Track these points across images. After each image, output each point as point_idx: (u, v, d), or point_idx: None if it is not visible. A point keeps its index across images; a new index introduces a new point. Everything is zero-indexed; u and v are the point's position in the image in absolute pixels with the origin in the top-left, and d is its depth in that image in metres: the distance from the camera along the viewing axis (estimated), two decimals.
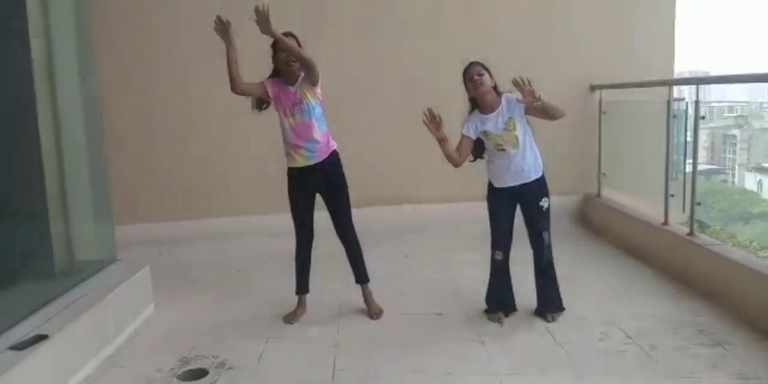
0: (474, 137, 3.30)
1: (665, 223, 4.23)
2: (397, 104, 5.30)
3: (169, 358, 3.06)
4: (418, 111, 5.36)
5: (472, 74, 3.23)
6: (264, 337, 3.30)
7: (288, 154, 3.45)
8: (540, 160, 3.32)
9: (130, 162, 5.10)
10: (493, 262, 3.45)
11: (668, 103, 4.24)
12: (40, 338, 2.62)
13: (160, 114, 5.22)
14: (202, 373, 2.89)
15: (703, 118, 3.95)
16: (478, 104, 3.31)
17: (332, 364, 2.94)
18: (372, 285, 3.65)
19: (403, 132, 5.38)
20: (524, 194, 3.31)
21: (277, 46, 3.30)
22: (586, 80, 5.46)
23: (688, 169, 4.13)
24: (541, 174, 3.33)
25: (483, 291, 3.53)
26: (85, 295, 3.17)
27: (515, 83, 3.00)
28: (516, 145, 3.24)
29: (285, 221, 4.41)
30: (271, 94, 3.38)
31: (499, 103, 3.26)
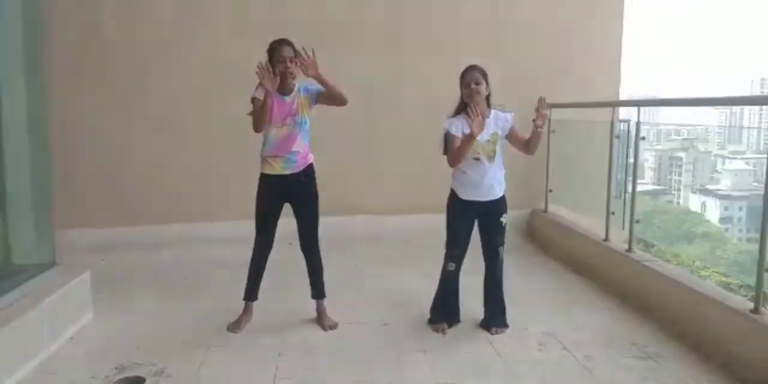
0: (460, 136, 3.24)
1: (606, 239, 4.38)
2: (357, 115, 5.35)
3: (105, 365, 2.98)
4: (377, 121, 5.46)
5: (469, 82, 3.23)
6: (206, 345, 3.26)
7: (265, 161, 3.43)
8: (503, 180, 3.38)
9: (78, 165, 4.99)
10: (445, 272, 3.47)
11: (611, 123, 4.39)
12: None
13: (114, 117, 5.14)
14: (138, 380, 2.83)
15: (643, 138, 4.10)
16: (468, 110, 3.27)
17: (273, 373, 2.93)
18: None
19: (361, 143, 5.45)
20: (487, 210, 3.36)
21: (274, 53, 3.27)
22: (536, 99, 5.59)
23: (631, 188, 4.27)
24: (503, 192, 3.40)
25: (430, 302, 3.58)
26: (20, 300, 3.07)
27: (541, 101, 3.07)
28: (492, 159, 3.29)
29: (233, 229, 4.40)
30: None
31: (489, 114, 3.30)
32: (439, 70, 5.38)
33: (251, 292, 3.59)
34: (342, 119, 5.17)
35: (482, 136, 3.26)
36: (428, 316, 3.56)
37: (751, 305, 2.90)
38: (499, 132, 3.32)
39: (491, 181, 3.32)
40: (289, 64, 3.26)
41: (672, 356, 3.11)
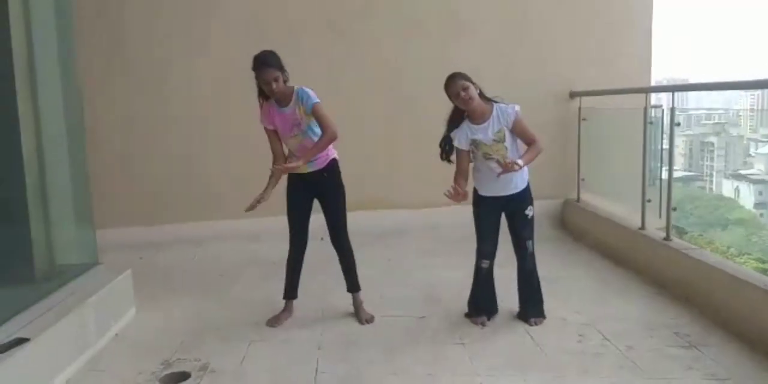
0: (467, 149, 3.24)
1: (642, 227, 4.31)
2: (376, 110, 5.35)
3: (150, 361, 3.05)
4: (397, 116, 5.43)
5: (457, 91, 3.12)
6: (247, 340, 3.31)
7: (289, 162, 3.45)
8: (526, 171, 3.31)
9: (111, 165, 5.08)
10: (479, 270, 3.45)
11: (645, 110, 4.32)
12: (21, 341, 2.60)
13: (141, 115, 5.21)
14: (184, 376, 2.89)
15: (678, 124, 4.02)
16: (467, 113, 3.25)
17: (314, 367, 2.96)
18: None
19: (383, 138, 5.44)
20: (510, 203, 3.32)
21: (257, 73, 3.18)
22: (566, 87, 5.55)
23: (665, 175, 4.21)
24: (527, 184, 3.35)
25: (465, 294, 3.57)
26: (66, 299, 3.15)
27: (508, 164, 3.03)
28: (505, 157, 3.19)
29: (267, 225, 4.43)
30: (274, 126, 3.38)
31: (491, 112, 3.22)
32: (467, 62, 5.38)
33: (290, 291, 3.63)
34: (361, 116, 5.18)
35: (487, 137, 3.21)
36: (465, 309, 3.56)
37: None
38: (505, 128, 3.21)
39: (509, 175, 3.21)
40: (273, 85, 3.17)
41: (716, 345, 3.06)
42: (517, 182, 3.30)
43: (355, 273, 3.64)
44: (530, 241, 3.39)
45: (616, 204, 5.05)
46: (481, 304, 3.50)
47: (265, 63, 3.17)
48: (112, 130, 5.12)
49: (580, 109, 5.42)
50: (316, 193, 3.51)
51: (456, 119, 3.27)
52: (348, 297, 3.65)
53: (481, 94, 3.21)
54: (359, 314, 3.58)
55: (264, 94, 3.33)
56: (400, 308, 3.74)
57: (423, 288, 4.11)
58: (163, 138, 5.24)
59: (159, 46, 5.17)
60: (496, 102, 3.26)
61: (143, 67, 5.17)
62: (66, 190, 3.66)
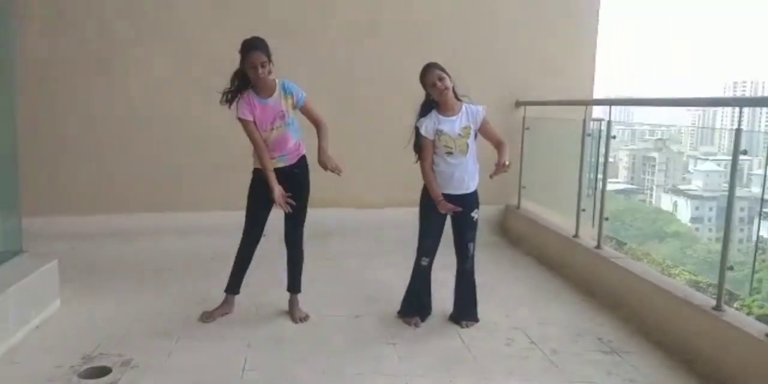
0: (432, 138, 3.28)
1: (576, 235, 4.44)
2: (327, 109, 5.32)
3: (70, 355, 2.95)
4: (350, 116, 5.42)
5: (433, 81, 3.19)
6: (175, 336, 3.24)
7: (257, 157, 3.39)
8: (477, 173, 3.39)
9: (54, 154, 4.92)
10: (418, 267, 3.48)
11: (584, 122, 4.45)
12: None
13: (86, 100, 5.06)
14: (104, 371, 2.80)
15: (614, 137, 4.15)
16: (436, 104, 3.30)
17: (242, 365, 2.92)
18: None
19: (332, 136, 5.41)
20: (459, 204, 3.35)
21: (244, 58, 3.14)
22: (512, 96, 5.65)
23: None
24: (476, 186, 3.41)
25: (401, 294, 3.60)
26: None
27: (501, 166, 3.15)
28: (465, 153, 3.28)
29: (207, 219, 4.35)
30: (253, 118, 3.27)
31: (460, 108, 3.30)
32: (418, 67, 5.42)
33: (234, 286, 3.57)
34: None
35: (453, 130, 3.28)
36: (398, 308, 3.58)
37: (714, 303, 2.97)
38: (471, 125, 3.31)
39: (463, 174, 3.32)
40: (260, 70, 3.13)
41: (636, 351, 3.17)
42: (469, 183, 3.36)
43: (300, 274, 3.60)
44: (472, 244, 3.45)
45: (553, 212, 5.18)
46: (416, 302, 3.53)
47: (255, 46, 3.14)
48: (48, 118, 4.94)
49: (524, 118, 5.54)
50: (283, 183, 3.41)
51: (426, 109, 3.32)
52: (283, 294, 3.62)
53: (453, 89, 3.27)
54: (293, 313, 3.55)
55: (239, 87, 3.26)
56: (336, 307, 3.73)
57: (360, 287, 4.12)
58: (110, 126, 5.10)
59: (109, 29, 5.03)
60: (463, 101, 3.34)
61: (93, 51, 5.03)
62: None
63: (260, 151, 3.29)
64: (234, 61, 3.23)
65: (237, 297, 3.61)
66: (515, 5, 5.69)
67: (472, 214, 3.41)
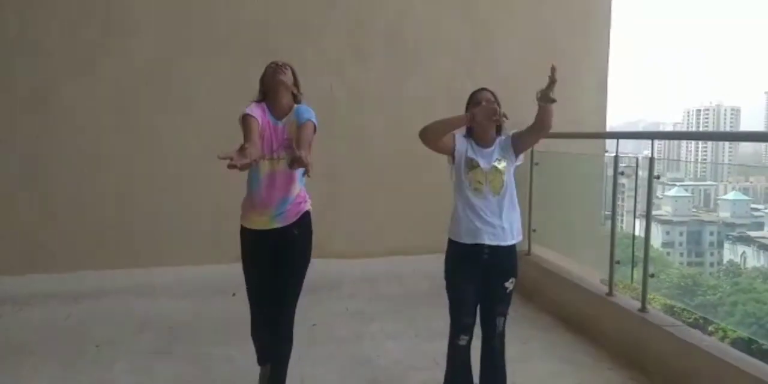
0: (459, 164, 2.64)
1: (610, 293, 3.76)
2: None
3: None
4: (335, 155, 4.74)
5: (480, 100, 2.67)
6: None
7: (248, 210, 2.64)
8: (520, 223, 2.68)
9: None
10: (455, 348, 2.68)
11: (615, 158, 3.87)
12: None
13: (21, 151, 4.31)
14: None
15: (657, 177, 3.59)
16: (474, 134, 2.68)
17: None
18: None
19: (317, 180, 4.71)
20: (492, 265, 2.61)
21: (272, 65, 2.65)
22: (519, 128, 5.03)
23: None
24: (518, 240, 2.67)
25: (412, 375, 2.87)
26: None
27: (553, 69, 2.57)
28: (497, 192, 2.60)
29: (165, 276, 3.71)
30: (260, 123, 2.53)
31: (494, 139, 2.68)
32: (416, 94, 4.81)
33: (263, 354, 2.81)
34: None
35: (488, 163, 2.61)
36: None
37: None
38: (508, 157, 2.65)
39: (494, 218, 2.59)
40: (279, 72, 2.61)
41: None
42: (506, 232, 2.61)
43: (286, 368, 2.72)
44: (502, 319, 2.70)
45: (571, 260, 4.53)
46: None
47: (285, 63, 2.68)
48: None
49: (532, 151, 4.90)
50: (275, 251, 2.64)
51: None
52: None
53: (499, 125, 2.68)
54: None
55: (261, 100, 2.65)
56: None
57: (356, 366, 3.33)
58: (49, 175, 4.34)
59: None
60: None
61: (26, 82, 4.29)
62: None
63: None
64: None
65: (208, 374, 2.85)
66: (519, 29, 5.20)
67: (506, 284, 2.66)
